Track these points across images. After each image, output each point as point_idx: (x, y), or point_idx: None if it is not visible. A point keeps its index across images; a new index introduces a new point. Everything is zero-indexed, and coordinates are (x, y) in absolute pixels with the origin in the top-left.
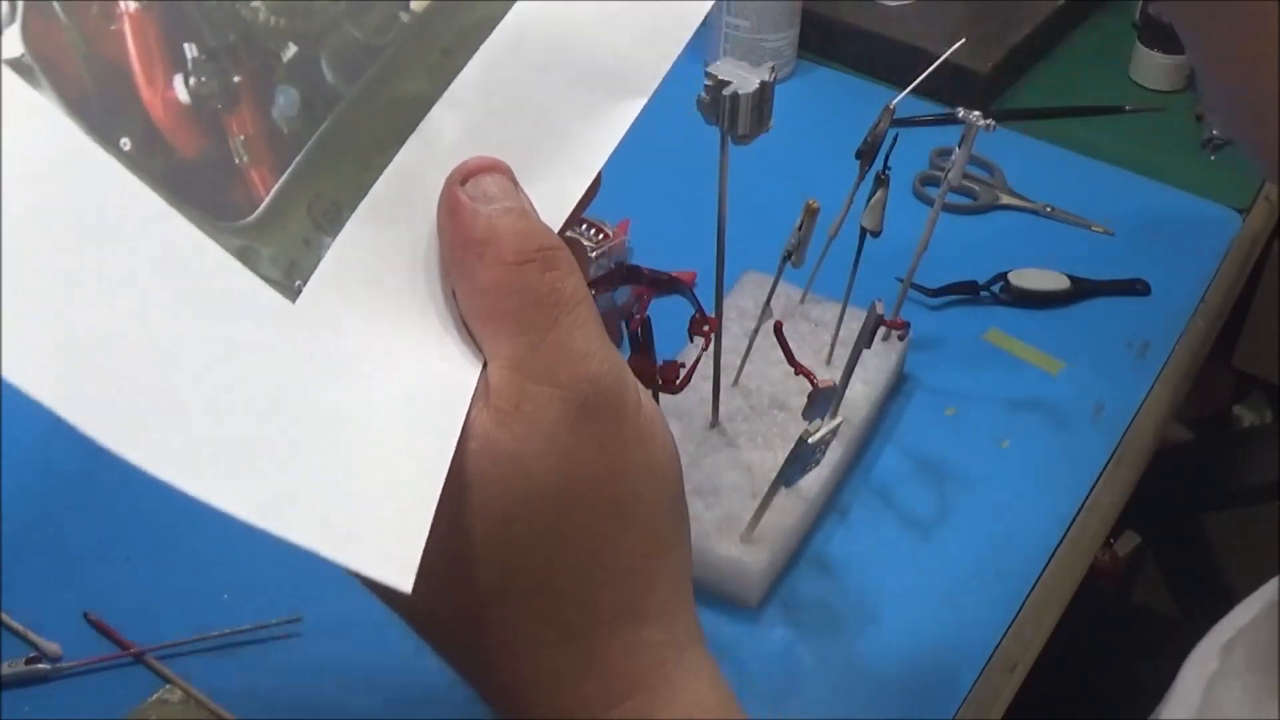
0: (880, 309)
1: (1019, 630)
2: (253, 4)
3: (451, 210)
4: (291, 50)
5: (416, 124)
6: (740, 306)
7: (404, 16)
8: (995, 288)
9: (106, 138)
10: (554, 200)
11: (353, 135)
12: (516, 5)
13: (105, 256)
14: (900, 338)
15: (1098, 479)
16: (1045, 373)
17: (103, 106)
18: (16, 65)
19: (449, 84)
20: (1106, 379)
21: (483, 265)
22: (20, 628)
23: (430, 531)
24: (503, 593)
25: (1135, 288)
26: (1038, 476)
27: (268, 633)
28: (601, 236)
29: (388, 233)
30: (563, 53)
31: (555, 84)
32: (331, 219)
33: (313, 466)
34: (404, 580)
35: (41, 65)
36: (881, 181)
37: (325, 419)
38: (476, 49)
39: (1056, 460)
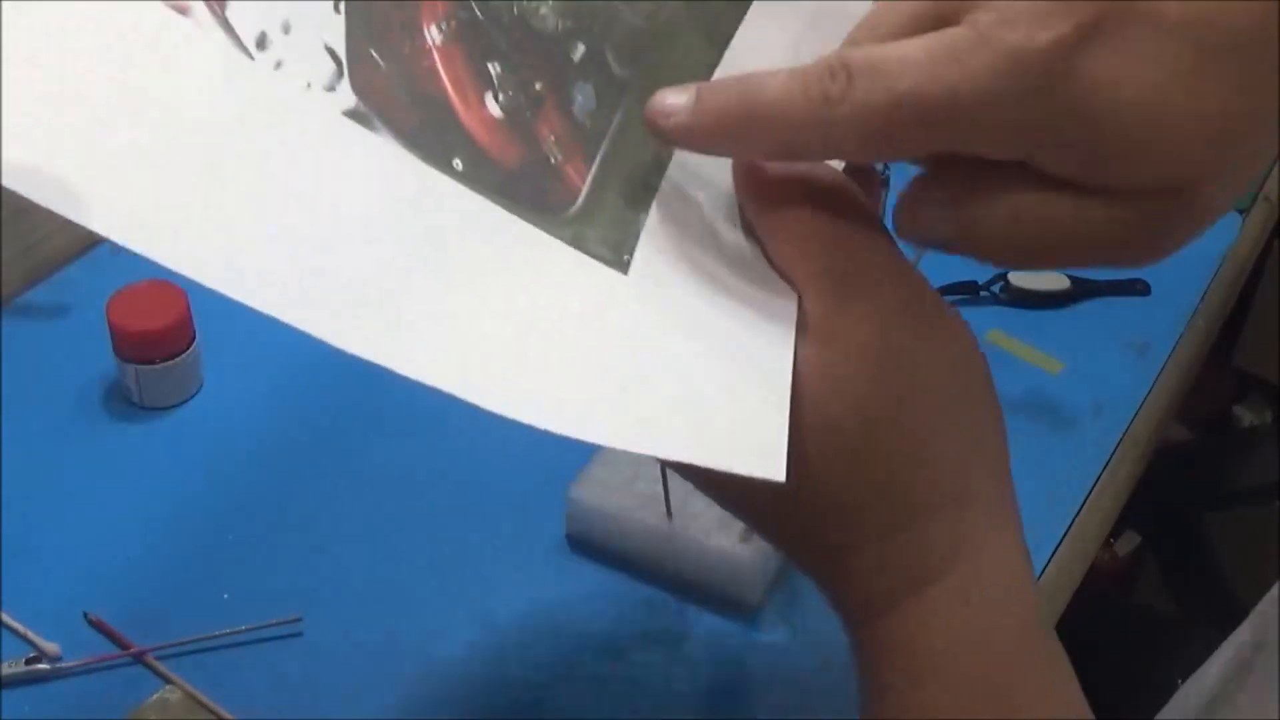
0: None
1: None
2: (541, 12)
3: (748, 164)
4: (580, 49)
5: None
6: None
7: None
8: (995, 288)
9: (441, 161)
10: None
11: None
12: None
13: (468, 263)
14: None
15: (1098, 479)
16: (1045, 373)
17: (431, 135)
18: (353, 114)
19: (725, 46)
20: (1106, 379)
21: (790, 209)
22: (20, 628)
23: None
24: (836, 494)
25: (1135, 288)
26: (1038, 476)
27: (268, 633)
28: None
29: (690, 195)
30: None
31: (823, 27)
32: (642, 195)
33: (677, 394)
34: (777, 471)
35: (374, 110)
36: (882, 183)
37: (674, 356)
38: (748, 8)
39: (1056, 460)
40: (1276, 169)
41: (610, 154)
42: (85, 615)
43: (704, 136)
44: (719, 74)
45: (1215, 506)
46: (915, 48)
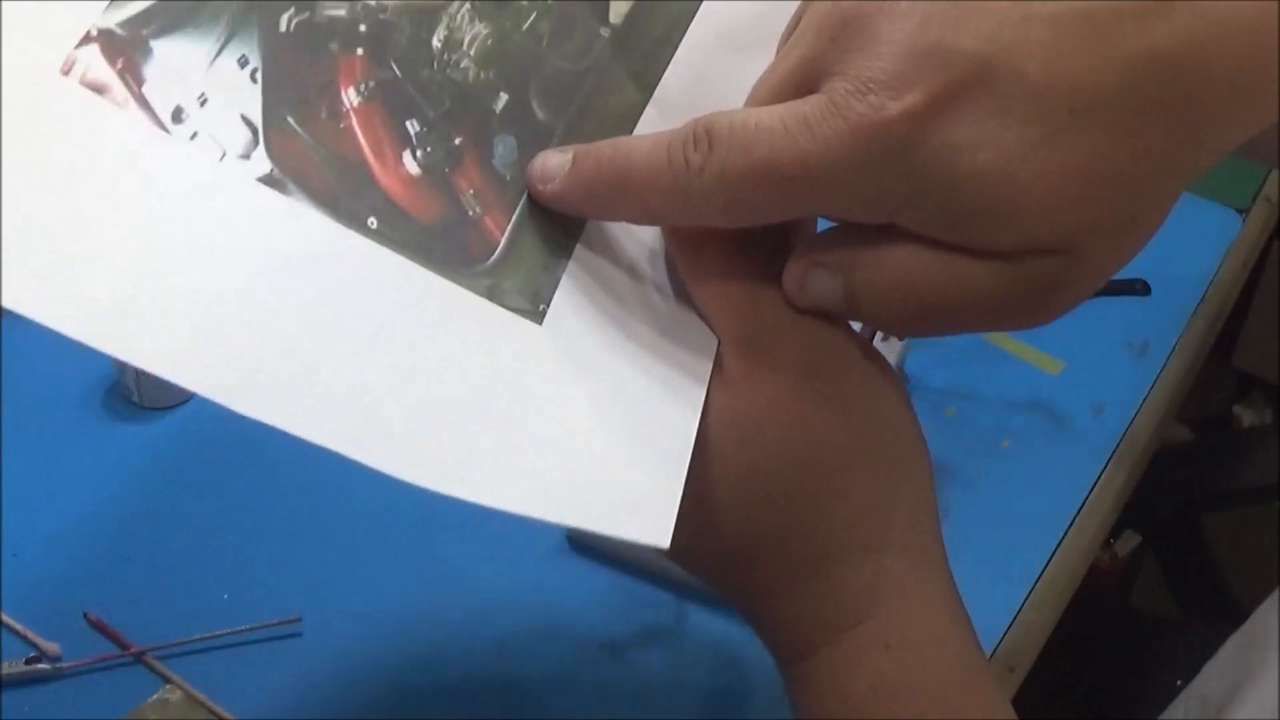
0: None
1: (1019, 630)
2: (462, 65)
3: None
4: (503, 99)
5: (630, 132)
6: None
7: (604, 32)
8: None
9: (356, 221)
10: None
11: None
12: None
13: (375, 318)
14: (900, 338)
15: (1098, 479)
16: (1045, 373)
17: (346, 196)
18: (267, 180)
19: (654, 87)
20: (1106, 379)
21: (717, 253)
22: (20, 628)
23: (685, 491)
24: (748, 539)
25: (1135, 288)
26: (1038, 476)
27: (268, 633)
28: None
29: (616, 239)
30: (758, 28)
31: (755, 62)
32: (564, 241)
33: (573, 457)
34: (662, 540)
35: (289, 175)
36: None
37: (578, 416)
38: (677, 46)
39: (1056, 460)
40: (1277, 169)
41: (531, 203)
42: (85, 615)
43: (576, 202)
44: (647, 114)
45: (1215, 506)
46: (772, 115)
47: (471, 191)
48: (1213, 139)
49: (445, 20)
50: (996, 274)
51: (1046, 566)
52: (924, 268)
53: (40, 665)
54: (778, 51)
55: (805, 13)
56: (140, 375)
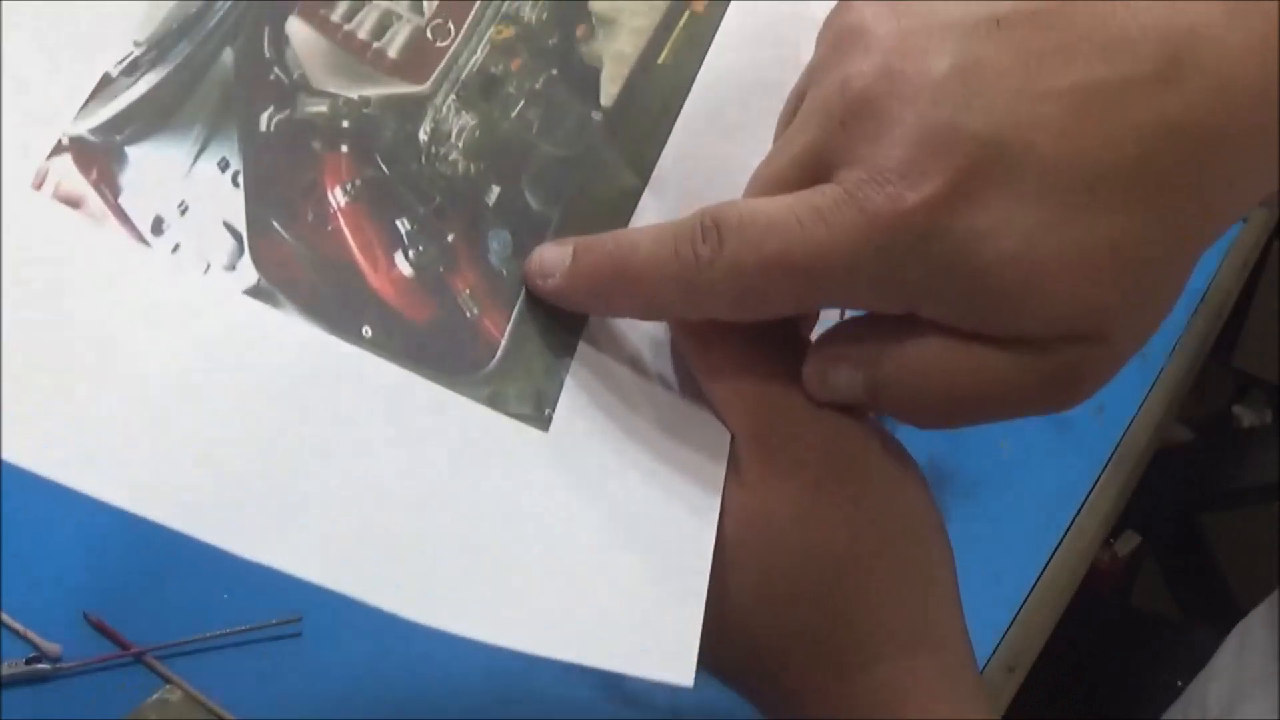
0: None
1: (1019, 630)
2: (451, 158)
3: None
4: (495, 192)
5: (628, 220)
6: None
7: (595, 116)
8: None
9: (349, 331)
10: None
11: None
12: (703, 70)
13: (373, 439)
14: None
15: (1098, 479)
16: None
17: (339, 303)
18: (255, 292)
19: (650, 171)
20: None
21: (729, 348)
22: (20, 628)
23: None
24: (774, 642)
25: None
26: (1038, 477)
27: (268, 633)
28: None
29: (619, 334)
30: (751, 108)
31: (751, 144)
32: (566, 340)
33: (585, 590)
34: (685, 678)
35: (277, 284)
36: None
37: (589, 540)
38: (670, 127)
39: (1056, 460)
40: None
41: (530, 300)
42: (85, 615)
43: (578, 298)
44: (644, 200)
45: (1215, 506)
46: (783, 207)
47: (468, 291)
48: (1227, 203)
49: (431, 112)
50: (1023, 363)
51: (1046, 566)
52: (948, 360)
53: (40, 665)
54: (777, 135)
55: (807, 96)
56: None
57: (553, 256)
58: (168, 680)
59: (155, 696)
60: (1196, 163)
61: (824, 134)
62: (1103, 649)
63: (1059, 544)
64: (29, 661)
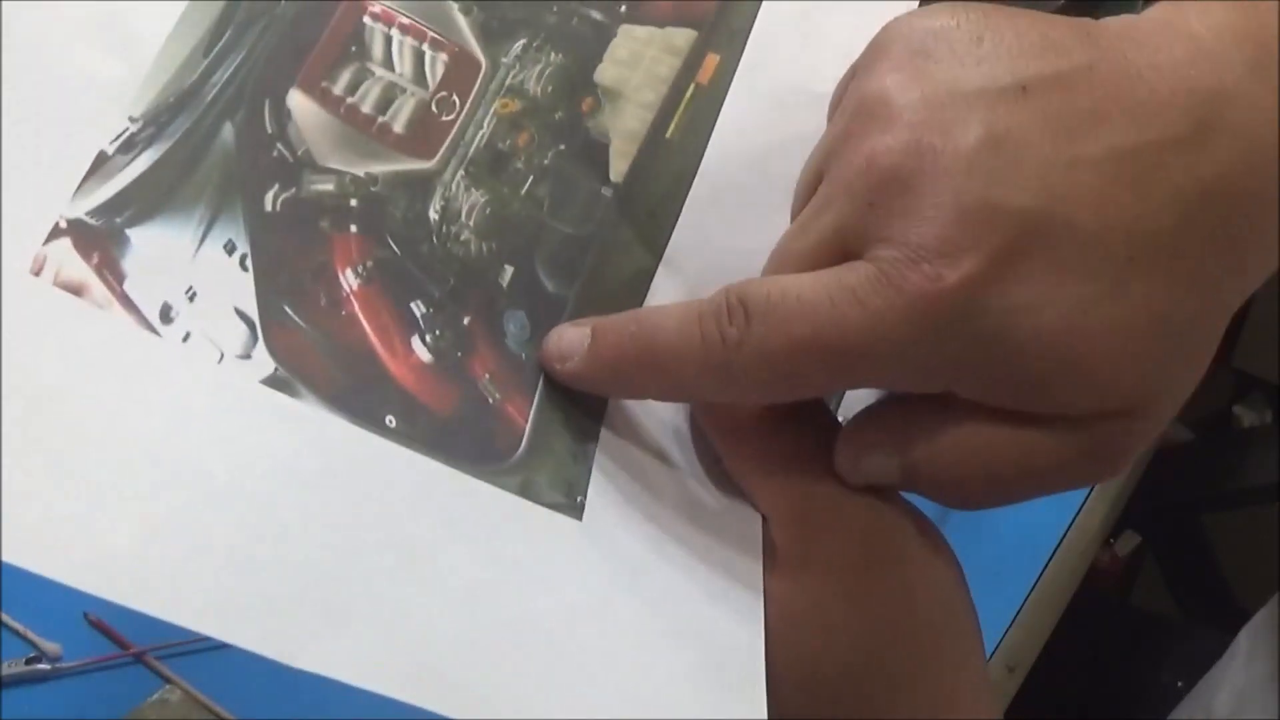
0: None
1: (1019, 630)
2: (462, 237)
3: None
4: (508, 273)
5: (643, 298)
6: None
7: (606, 192)
8: None
9: (373, 421)
10: None
11: None
12: (711, 143)
13: (408, 533)
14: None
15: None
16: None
17: (360, 393)
18: (273, 382)
19: (664, 248)
20: None
21: (745, 428)
22: (20, 628)
23: None
24: None
25: None
26: None
27: None
28: None
29: (641, 417)
30: (765, 184)
31: (767, 219)
32: (589, 426)
33: (638, 685)
34: None
35: (294, 373)
36: None
37: (635, 635)
38: (683, 203)
39: None
40: None
41: (550, 384)
42: (85, 615)
43: (599, 381)
44: (659, 278)
45: (1215, 506)
46: (814, 288)
47: (488, 376)
48: (1262, 260)
49: (440, 190)
50: (1062, 440)
51: (1046, 566)
52: (985, 440)
53: (40, 665)
54: (794, 211)
55: (829, 172)
56: None
57: (571, 338)
58: (168, 680)
59: (155, 696)
60: (1231, 223)
61: (851, 214)
62: (1103, 649)
63: (1059, 544)
64: (29, 661)
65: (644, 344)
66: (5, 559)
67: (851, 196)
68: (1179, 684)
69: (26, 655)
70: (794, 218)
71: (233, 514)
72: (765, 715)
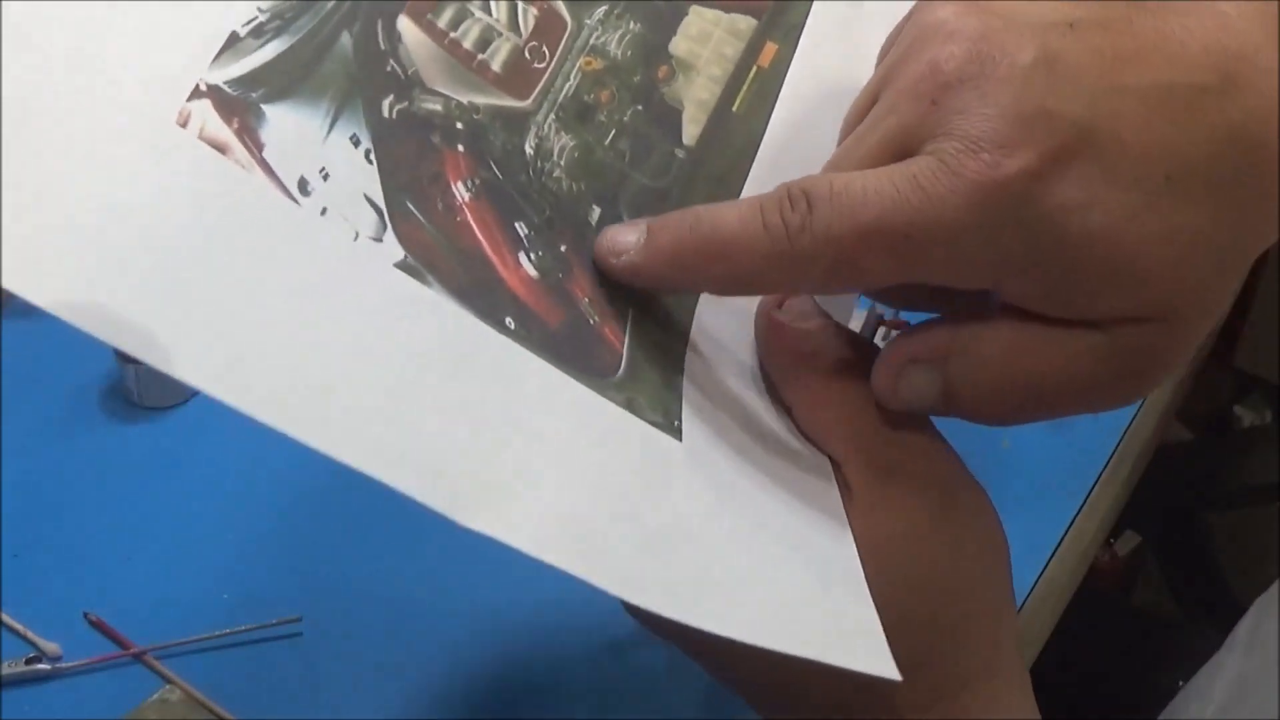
0: (880, 310)
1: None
2: (555, 174)
3: (774, 334)
4: (596, 212)
5: None
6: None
7: (679, 153)
8: None
9: (495, 319)
10: (835, 309)
11: None
12: (772, 120)
13: (536, 425)
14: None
15: (1098, 479)
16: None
17: (480, 292)
18: (404, 267)
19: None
20: None
21: (818, 378)
22: (20, 628)
23: None
24: None
25: None
26: (1038, 476)
27: (268, 633)
28: None
29: (716, 361)
30: (816, 164)
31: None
32: (674, 359)
33: (760, 585)
34: (889, 669)
35: (422, 264)
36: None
37: (741, 546)
38: (748, 171)
39: (1056, 460)
40: None
41: (637, 317)
42: (85, 615)
43: (656, 274)
44: None
45: (1215, 506)
46: (879, 177)
47: (586, 300)
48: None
49: (534, 128)
50: (1096, 347)
51: (1046, 566)
52: (1023, 348)
53: (40, 665)
54: (842, 136)
55: (890, 83)
56: (140, 375)
57: (625, 233)
58: (168, 680)
59: (155, 696)
60: (1255, 166)
61: (914, 113)
62: (1103, 649)
63: (1059, 544)
64: (29, 661)
65: (704, 234)
66: (197, 385)
67: (915, 98)
68: (1179, 683)
69: (26, 655)
70: (841, 141)
71: (363, 380)
72: (880, 628)
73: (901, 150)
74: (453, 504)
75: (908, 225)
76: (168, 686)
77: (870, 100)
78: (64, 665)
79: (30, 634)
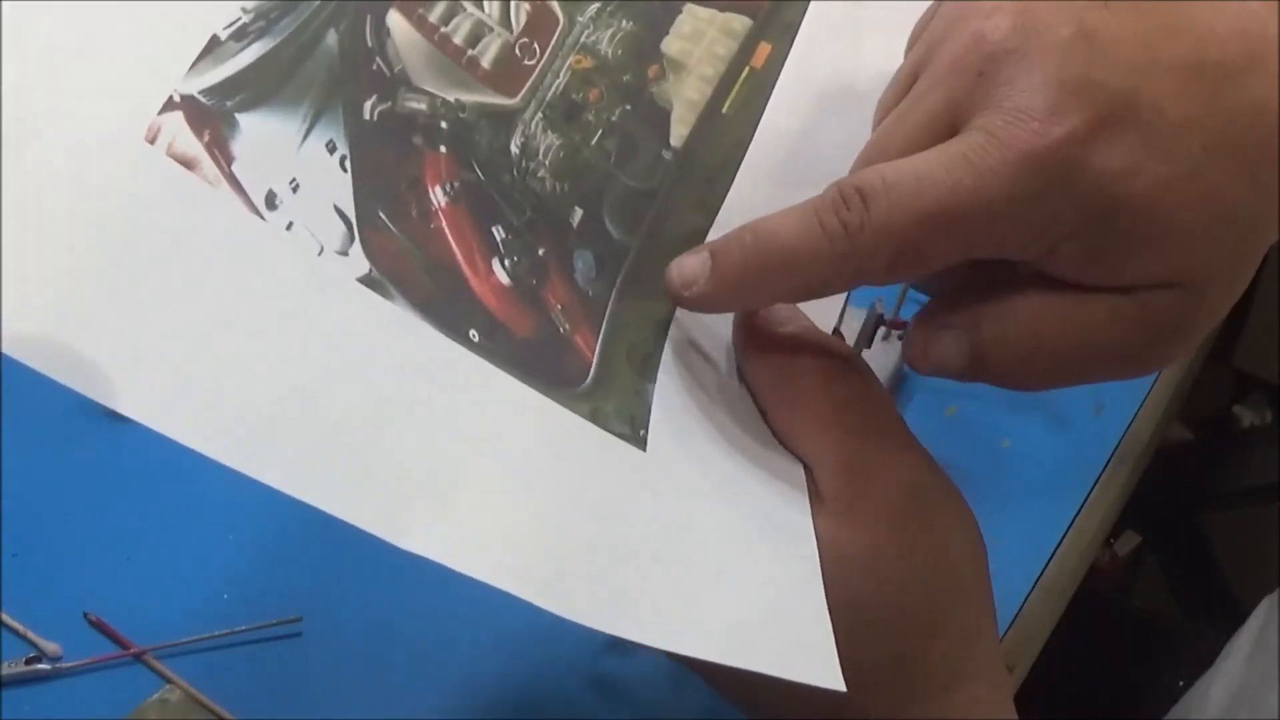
0: (880, 308)
1: (1019, 630)
2: (539, 175)
3: (751, 337)
4: (578, 214)
5: None
6: None
7: (666, 155)
8: None
9: (458, 332)
10: (824, 306)
11: (644, 283)
12: (763, 122)
13: (489, 443)
14: (900, 338)
15: (1098, 479)
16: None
17: (446, 304)
18: (368, 281)
19: (716, 213)
20: None
21: (794, 382)
22: (20, 628)
23: None
24: (854, 671)
25: None
26: (1038, 476)
27: (268, 633)
28: None
29: (692, 367)
30: (805, 167)
31: (802, 199)
32: (647, 365)
33: (714, 597)
34: (836, 681)
35: (388, 277)
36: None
37: (702, 558)
38: (734, 174)
39: (1056, 460)
40: None
41: (613, 322)
42: (85, 615)
43: (727, 300)
44: (713, 237)
45: (1215, 506)
46: (929, 161)
47: (560, 307)
48: None
49: (521, 127)
50: (1121, 313)
51: (1046, 566)
52: (1052, 314)
53: (40, 665)
54: (877, 120)
55: (933, 59)
56: None
57: (692, 264)
58: (168, 680)
59: (155, 696)
60: (1276, 146)
61: (961, 86)
62: (1103, 649)
63: (1059, 544)
64: (29, 661)
65: (764, 250)
66: (143, 423)
67: (961, 70)
68: (1179, 684)
69: (26, 655)
70: (877, 125)
71: (322, 397)
72: (831, 640)
73: (948, 126)
74: (386, 526)
75: (966, 206)
76: (168, 686)
77: (909, 80)
78: (64, 665)
79: (30, 634)
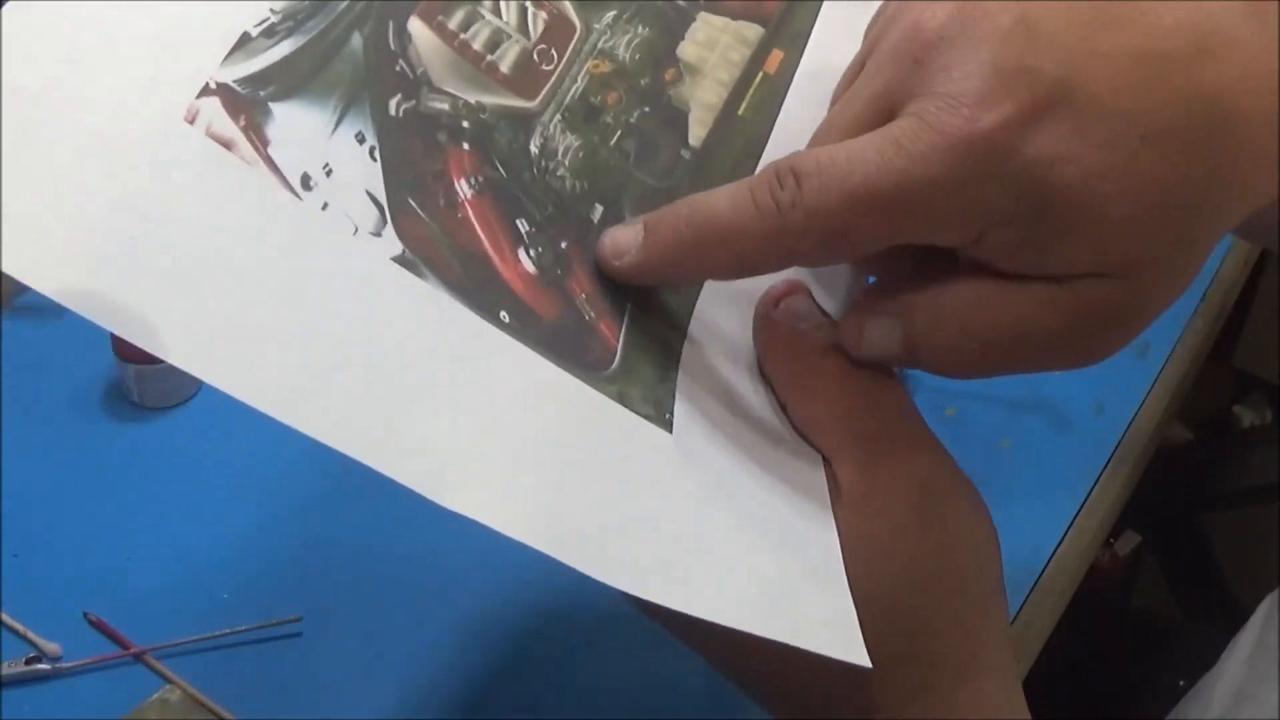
0: None
1: (1019, 630)
2: (559, 174)
3: (771, 333)
4: (599, 211)
5: None
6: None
7: (685, 154)
8: None
9: (489, 312)
10: (841, 297)
11: None
12: (778, 123)
13: (528, 415)
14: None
15: (1098, 479)
16: (1046, 372)
17: (476, 287)
18: (401, 260)
19: None
20: (1106, 379)
21: (812, 376)
22: (20, 628)
23: None
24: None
25: None
26: (1038, 476)
27: (268, 633)
28: None
29: (714, 358)
30: None
31: None
32: (668, 354)
33: (741, 571)
34: (861, 655)
35: (420, 258)
36: None
37: (727, 539)
38: (753, 170)
39: (1056, 460)
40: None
41: (635, 314)
42: (85, 615)
43: (657, 270)
44: None
45: (1215, 506)
46: (862, 144)
47: (584, 296)
48: (1248, 184)
49: (539, 129)
50: (1054, 302)
51: (1046, 566)
52: (984, 302)
53: (40, 665)
54: (832, 102)
55: (875, 51)
56: (140, 375)
57: (624, 234)
58: (168, 680)
59: (155, 696)
60: (1226, 134)
61: (895, 73)
62: (1103, 649)
63: (1059, 544)
64: (29, 661)
65: (699, 223)
66: (197, 374)
67: (898, 58)
68: (1180, 684)
69: (26, 655)
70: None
71: (358, 359)
72: (855, 618)
73: (886, 112)
74: (433, 485)
75: (894, 188)
76: (168, 686)
77: (858, 69)
78: (64, 665)
79: (30, 634)
